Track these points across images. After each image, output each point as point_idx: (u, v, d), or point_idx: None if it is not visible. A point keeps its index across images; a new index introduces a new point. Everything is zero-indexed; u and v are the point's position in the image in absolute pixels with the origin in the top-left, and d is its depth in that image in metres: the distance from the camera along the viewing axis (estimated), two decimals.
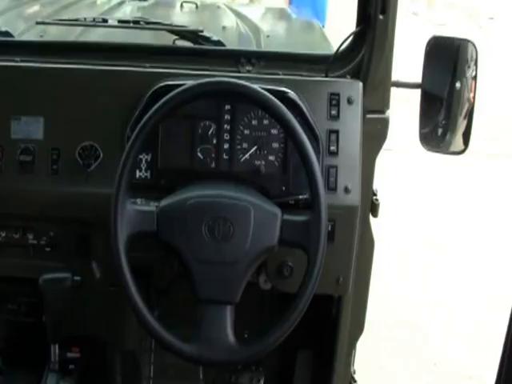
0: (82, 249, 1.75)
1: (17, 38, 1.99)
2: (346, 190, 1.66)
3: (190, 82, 1.52)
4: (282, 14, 3.22)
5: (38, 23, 2.07)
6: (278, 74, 1.76)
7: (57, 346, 1.67)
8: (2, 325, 1.92)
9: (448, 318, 3.79)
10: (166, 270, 1.74)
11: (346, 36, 1.80)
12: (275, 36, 2.52)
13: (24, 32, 2.18)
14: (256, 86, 1.51)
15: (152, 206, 1.50)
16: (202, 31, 1.93)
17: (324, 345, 1.96)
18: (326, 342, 1.93)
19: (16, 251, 1.78)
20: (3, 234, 1.77)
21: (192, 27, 2.01)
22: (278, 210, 1.50)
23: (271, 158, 1.67)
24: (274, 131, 1.67)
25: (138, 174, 1.67)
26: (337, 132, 1.68)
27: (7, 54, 1.82)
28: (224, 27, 2.55)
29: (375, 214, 1.82)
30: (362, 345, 1.99)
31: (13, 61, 1.77)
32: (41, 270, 1.68)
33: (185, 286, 1.92)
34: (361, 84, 1.71)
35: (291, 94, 1.65)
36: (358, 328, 1.91)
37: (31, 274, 1.76)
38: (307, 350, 2.11)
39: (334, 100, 1.69)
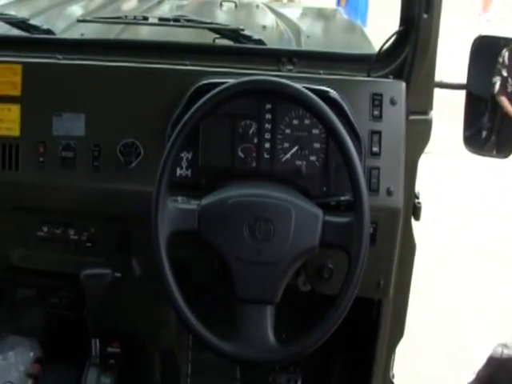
0: (123, 245, 1.78)
1: (58, 36, 2.02)
2: (389, 193, 1.65)
3: (231, 81, 1.53)
4: (321, 14, 3.21)
5: (79, 21, 2.10)
6: (320, 74, 1.76)
7: (98, 341, 1.70)
8: (44, 318, 1.96)
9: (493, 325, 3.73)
10: (204, 269, 1.76)
11: (388, 36, 1.79)
12: (315, 36, 2.52)
13: (65, 30, 2.22)
14: (299, 86, 1.51)
15: (193, 205, 1.51)
16: (242, 30, 1.94)
17: (363, 348, 1.95)
18: (364, 345, 1.93)
19: (57, 246, 1.82)
20: (45, 229, 1.81)
21: (232, 26, 2.03)
22: (319, 211, 1.50)
23: (312, 158, 1.67)
24: (316, 131, 1.66)
25: (178, 172, 1.68)
26: (379, 133, 1.67)
27: (49, 51, 1.85)
28: (264, 26, 2.55)
29: (417, 218, 1.81)
30: (402, 350, 1.98)
31: (55, 58, 1.80)
32: (82, 265, 1.71)
33: (223, 285, 1.94)
34: (404, 84, 1.69)
35: (333, 93, 1.64)
36: (397, 332, 1.89)
37: (72, 269, 1.79)
38: (345, 353, 2.11)
39: (377, 100, 1.68)
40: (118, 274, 1.68)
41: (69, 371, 1.84)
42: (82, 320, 1.79)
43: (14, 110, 1.76)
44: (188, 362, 2.18)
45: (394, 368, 2.00)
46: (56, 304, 1.90)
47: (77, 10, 2.69)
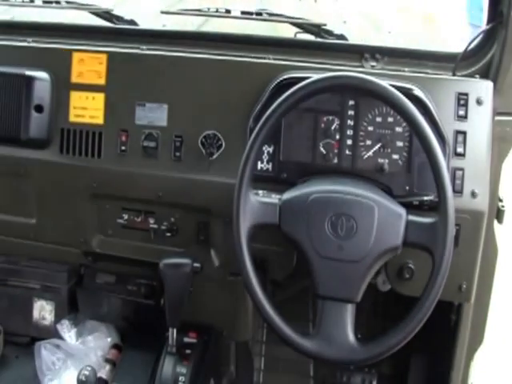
0: (202, 236, 1.80)
1: (142, 27, 2.05)
2: (473, 194, 1.61)
3: (314, 75, 1.52)
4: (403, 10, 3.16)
5: (162, 12, 2.12)
6: (404, 71, 1.73)
7: (175, 330, 1.72)
8: (122, 305, 2.00)
9: None
10: (282, 264, 1.76)
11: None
12: (397, 32, 2.49)
13: (148, 21, 2.25)
14: (384, 83, 1.49)
15: (275, 199, 1.51)
16: (324, 25, 1.92)
17: (441, 353, 1.92)
18: (443, 349, 1.89)
19: (137, 234, 1.85)
20: (126, 217, 1.85)
21: (313, 20, 2.01)
22: (402, 210, 1.47)
23: (395, 156, 1.64)
24: (399, 129, 1.64)
25: (259, 165, 1.69)
26: (464, 133, 1.63)
27: (133, 42, 1.88)
28: (344, 21, 2.53)
29: (500, 221, 1.76)
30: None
31: (138, 49, 1.83)
32: (161, 254, 1.73)
33: (299, 281, 1.93)
34: (491, 84, 1.65)
35: (418, 91, 1.62)
36: (477, 338, 1.85)
37: (151, 257, 1.83)
38: (422, 357, 2.08)
39: (462, 100, 1.64)
40: (197, 265, 1.69)
41: (145, 358, 1.87)
42: (159, 309, 1.81)
43: (99, 99, 1.81)
44: (261, 356, 2.18)
45: (475, 377, 1.96)
46: (134, 291, 1.93)
47: (159, 1, 2.72)
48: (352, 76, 1.51)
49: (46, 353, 2.02)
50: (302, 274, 1.73)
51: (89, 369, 1.56)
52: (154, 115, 1.77)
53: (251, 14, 2.02)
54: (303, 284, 2.02)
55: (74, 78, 1.83)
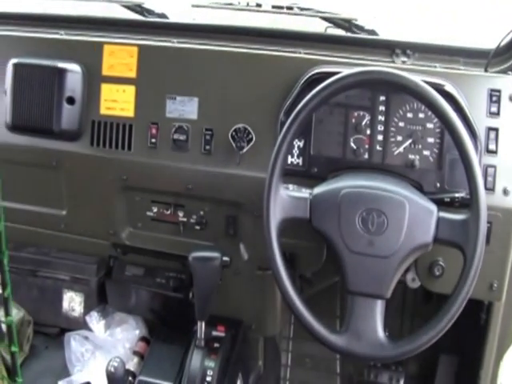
0: (231, 230, 1.80)
1: (172, 20, 2.06)
2: (505, 192, 1.60)
3: (348, 70, 1.51)
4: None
5: (193, 6, 2.13)
6: (435, 67, 1.71)
7: (203, 324, 1.72)
8: (150, 297, 2.01)
9: None
10: (312, 259, 1.76)
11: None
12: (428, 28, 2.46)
13: (179, 14, 2.25)
14: (416, 78, 1.48)
15: (305, 193, 1.51)
16: (355, 19, 1.91)
17: (469, 352, 1.90)
18: (471, 349, 1.87)
19: (166, 227, 1.86)
20: (155, 210, 1.86)
21: (344, 15, 2.00)
22: (433, 207, 1.46)
23: (426, 152, 1.63)
24: (430, 125, 1.63)
25: (289, 159, 1.69)
26: (496, 130, 1.61)
27: (163, 35, 1.89)
28: (375, 16, 2.51)
29: None
30: None
31: (169, 42, 1.84)
32: (189, 247, 1.74)
33: (327, 277, 1.93)
34: None
35: (449, 87, 1.60)
36: (507, 338, 1.82)
37: (180, 250, 1.84)
38: (451, 356, 2.06)
39: (495, 96, 1.62)
40: (226, 258, 1.69)
41: (173, 352, 1.87)
42: (187, 302, 1.82)
43: (129, 92, 1.82)
44: (288, 352, 2.18)
45: (505, 378, 1.93)
46: (163, 284, 1.93)
47: None
48: (384, 71, 1.49)
49: (74, 344, 2.04)
50: (331, 270, 1.72)
51: (117, 360, 1.57)
52: (184, 108, 1.77)
53: (282, 8, 2.02)
54: (331, 280, 2.01)
55: (105, 71, 1.84)
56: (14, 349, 0.86)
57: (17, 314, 1.98)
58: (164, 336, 1.96)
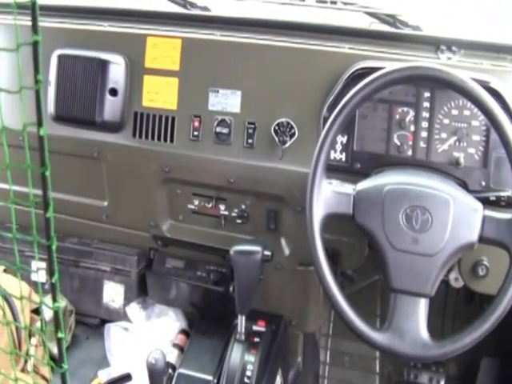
0: (272, 224, 1.81)
1: (215, 13, 2.06)
2: None
3: (393, 65, 1.49)
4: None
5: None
6: (481, 64, 1.68)
7: (243, 318, 1.73)
8: (191, 290, 2.02)
9: None
10: (354, 256, 1.75)
11: None
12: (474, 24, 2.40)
13: (222, 7, 2.25)
14: (462, 74, 1.45)
15: (349, 189, 1.50)
16: (400, 15, 1.89)
17: None
18: None
19: (207, 220, 1.87)
20: (196, 203, 1.87)
21: (388, 10, 1.98)
22: (478, 205, 1.43)
23: (471, 150, 1.60)
24: (476, 123, 1.60)
25: (332, 155, 1.68)
26: None
27: (207, 28, 1.88)
28: (420, 12, 2.47)
29: None
30: None
31: (212, 35, 1.83)
32: (230, 241, 1.74)
33: (369, 275, 1.91)
34: None
35: (496, 84, 1.56)
36: None
37: (221, 244, 1.84)
38: (493, 359, 2.03)
39: None
40: (267, 253, 1.69)
41: (213, 345, 1.88)
42: (228, 296, 1.82)
43: (172, 84, 1.82)
44: (327, 349, 2.17)
45: None
46: (203, 278, 1.94)
47: None
48: (430, 67, 1.47)
49: (115, 335, 2.06)
50: (371, 268, 1.70)
51: (158, 352, 1.58)
52: (227, 101, 1.77)
53: (325, 2, 2.00)
54: (371, 278, 2.00)
55: (148, 63, 1.85)
56: (60, 335, 0.87)
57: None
58: (204, 329, 1.96)
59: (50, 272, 0.85)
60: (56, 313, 0.86)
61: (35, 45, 0.77)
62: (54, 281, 0.85)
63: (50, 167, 0.80)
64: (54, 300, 0.86)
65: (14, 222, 1.01)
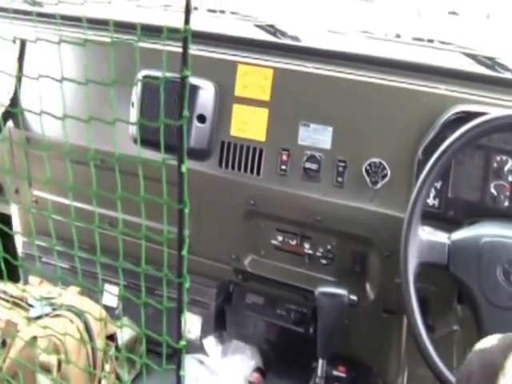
0: (357, 267, 1.79)
1: (306, 44, 2.04)
2: None
3: (496, 112, 1.46)
4: None
5: (330, 31, 2.11)
6: None
7: (325, 362, 1.71)
8: (270, 328, 2.01)
9: None
10: (441, 306, 1.71)
11: None
12: None
13: (312, 37, 2.24)
14: None
15: (443, 237, 1.48)
16: (499, 58, 1.85)
17: None
18: None
19: (291, 258, 1.87)
20: (280, 238, 1.86)
21: (487, 53, 1.93)
22: None
23: None
24: None
25: None
26: None
27: (297, 58, 1.87)
28: None
29: None
30: None
31: (305, 66, 1.82)
32: (313, 280, 1.73)
33: (449, 325, 1.86)
34: None
35: None
36: None
37: (303, 283, 1.83)
38: None
39: None
40: (353, 297, 1.67)
41: None
42: (308, 337, 1.81)
43: (262, 115, 1.82)
44: None
45: None
46: (283, 316, 1.93)
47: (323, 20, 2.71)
48: None
49: (190, 367, 2.06)
50: (453, 319, 1.65)
51: None
52: (317, 137, 1.76)
53: (422, 40, 1.97)
54: (450, 328, 1.95)
55: (238, 91, 1.85)
56: (181, 373, 0.87)
57: (131, 330, 2.02)
58: (281, 369, 1.96)
59: (179, 309, 0.86)
60: (179, 351, 0.87)
61: (183, 79, 0.77)
62: (182, 319, 0.85)
63: (188, 204, 0.81)
64: (179, 338, 0.86)
65: (143, 258, 1.04)
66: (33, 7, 2.24)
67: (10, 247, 2.31)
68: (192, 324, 2.09)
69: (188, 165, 1.90)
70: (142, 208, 0.96)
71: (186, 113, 0.78)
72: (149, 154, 1.90)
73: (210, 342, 2.04)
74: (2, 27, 2.08)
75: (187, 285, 0.84)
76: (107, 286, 2.13)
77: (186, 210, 0.81)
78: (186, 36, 0.77)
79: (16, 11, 2.18)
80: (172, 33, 0.90)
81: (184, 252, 0.82)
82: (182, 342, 0.86)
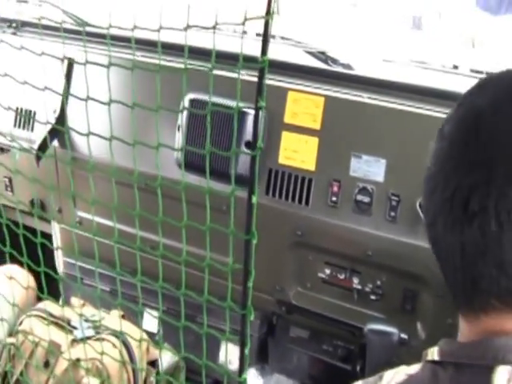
0: (408, 305, 1.74)
1: (359, 73, 2.01)
2: None
3: None
4: None
5: (384, 61, 2.09)
6: None
7: None
8: (314, 364, 1.97)
9: None
10: None
11: None
12: None
13: (365, 65, 2.22)
14: None
15: None
16: None
17: None
18: None
19: (338, 292, 1.83)
20: (327, 272, 1.83)
21: None
22: None
23: None
24: None
25: None
26: None
27: (351, 87, 1.85)
28: None
29: None
30: None
31: (356, 95, 1.80)
32: (361, 317, 1.69)
33: None
34: None
35: None
36: None
37: (351, 319, 1.79)
38: None
39: None
40: (404, 336, 1.63)
41: None
42: (354, 375, 1.76)
43: (312, 143, 1.80)
44: None
45: None
46: (329, 352, 1.90)
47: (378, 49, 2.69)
48: None
49: None
50: None
51: None
52: (370, 169, 1.73)
53: (481, 73, 1.93)
54: None
55: (288, 118, 1.83)
56: None
57: (171, 358, 2.00)
58: None
59: (242, 343, 0.84)
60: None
61: (257, 110, 0.76)
62: (246, 352, 0.84)
63: (256, 235, 0.79)
64: (241, 372, 0.85)
65: (205, 287, 1.11)
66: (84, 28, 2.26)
67: (49, 266, 2.31)
68: (232, 354, 2.06)
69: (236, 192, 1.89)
70: (207, 239, 0.95)
71: (260, 143, 0.77)
72: (191, 178, 1.89)
73: (252, 375, 2.01)
74: (52, 46, 2.10)
75: (252, 317, 0.82)
76: (147, 311, 2.11)
77: (254, 241, 0.80)
78: (263, 67, 0.76)
79: (66, 30, 2.19)
80: (248, 62, 0.89)
81: (250, 284, 0.80)
82: (244, 376, 0.84)
